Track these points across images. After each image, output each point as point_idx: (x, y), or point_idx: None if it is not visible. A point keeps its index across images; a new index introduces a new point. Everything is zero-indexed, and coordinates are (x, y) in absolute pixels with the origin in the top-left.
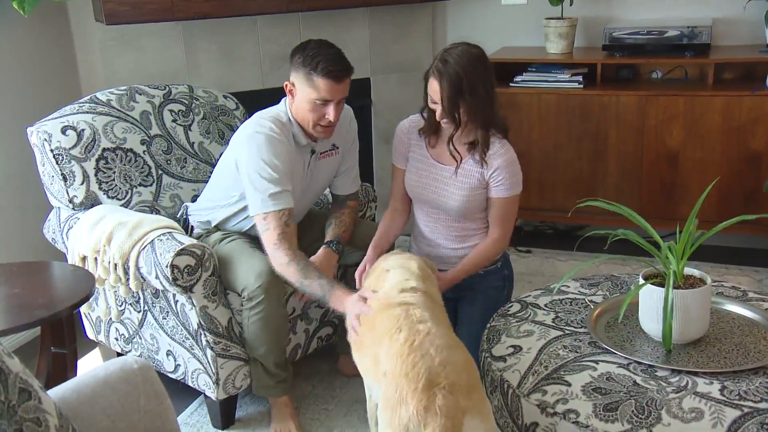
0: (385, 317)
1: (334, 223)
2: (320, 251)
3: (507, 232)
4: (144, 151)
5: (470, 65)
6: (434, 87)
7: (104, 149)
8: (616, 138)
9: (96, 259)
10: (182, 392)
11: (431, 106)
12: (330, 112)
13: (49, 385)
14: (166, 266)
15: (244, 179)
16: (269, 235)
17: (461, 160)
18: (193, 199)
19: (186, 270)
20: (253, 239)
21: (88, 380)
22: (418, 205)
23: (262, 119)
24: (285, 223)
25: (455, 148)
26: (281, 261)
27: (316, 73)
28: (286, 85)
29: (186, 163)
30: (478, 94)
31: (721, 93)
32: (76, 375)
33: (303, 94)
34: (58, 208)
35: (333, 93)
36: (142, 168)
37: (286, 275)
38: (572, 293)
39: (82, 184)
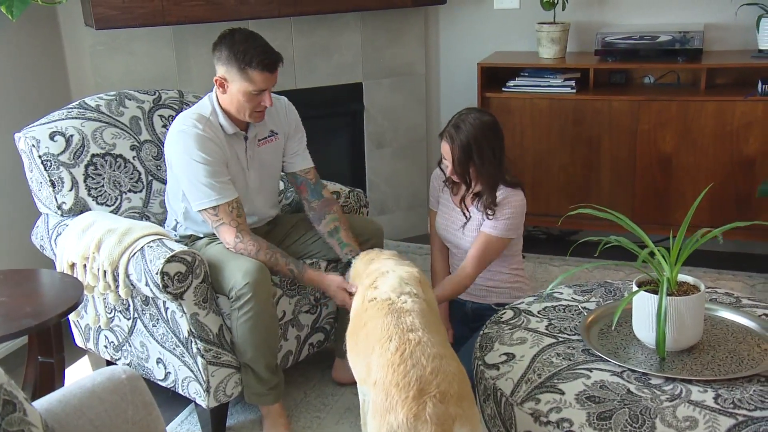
0: (377, 325)
1: (343, 231)
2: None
3: (479, 271)
4: (134, 157)
5: (481, 133)
6: (446, 149)
7: (93, 155)
8: (609, 143)
9: (85, 266)
10: (172, 400)
11: (443, 162)
12: (266, 99)
13: (36, 395)
14: (156, 273)
15: (182, 179)
16: (226, 229)
17: (469, 215)
18: (163, 222)
19: (176, 277)
20: None
21: (75, 391)
22: (446, 244)
23: (185, 118)
24: (237, 214)
25: (464, 204)
26: (249, 250)
27: (251, 68)
28: (217, 80)
29: None
30: (486, 159)
31: (714, 98)
32: (63, 384)
33: (237, 87)
34: (47, 214)
35: (268, 83)
36: (132, 174)
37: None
38: (565, 300)
39: (70, 190)
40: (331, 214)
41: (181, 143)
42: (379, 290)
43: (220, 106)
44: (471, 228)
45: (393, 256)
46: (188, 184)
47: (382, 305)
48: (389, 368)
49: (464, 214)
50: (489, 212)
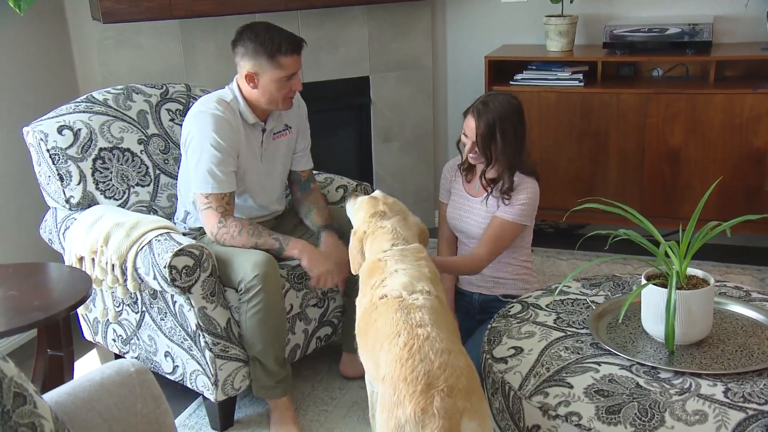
0: (386, 321)
1: (315, 210)
2: (325, 237)
3: (492, 256)
4: (141, 151)
5: (507, 114)
6: (470, 124)
7: (101, 149)
8: (617, 136)
9: (93, 259)
10: (180, 394)
11: (463, 139)
12: (296, 83)
13: (45, 387)
14: (164, 267)
15: (190, 156)
16: (211, 213)
17: (488, 195)
18: (171, 216)
19: (184, 270)
20: None
21: (84, 384)
22: (457, 234)
23: (205, 100)
24: (227, 203)
25: (484, 178)
26: (232, 232)
27: (282, 53)
28: (246, 76)
29: None
30: (508, 141)
31: (723, 91)
32: (72, 377)
33: (269, 78)
34: (55, 208)
35: (297, 65)
36: (140, 168)
37: (239, 244)
38: (574, 294)
39: (78, 184)
40: (308, 200)
41: (199, 122)
42: (389, 288)
43: (243, 97)
44: (485, 215)
45: (397, 223)
46: (194, 164)
47: (393, 302)
48: (397, 363)
49: (485, 189)
50: (505, 198)
